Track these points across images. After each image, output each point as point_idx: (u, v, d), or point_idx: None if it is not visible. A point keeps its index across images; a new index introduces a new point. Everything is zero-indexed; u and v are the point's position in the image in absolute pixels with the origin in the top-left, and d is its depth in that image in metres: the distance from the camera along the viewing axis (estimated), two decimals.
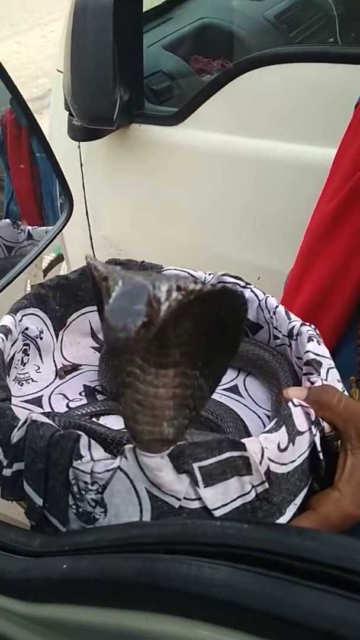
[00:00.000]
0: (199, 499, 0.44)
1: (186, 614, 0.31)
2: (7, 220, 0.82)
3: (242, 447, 0.45)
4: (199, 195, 1.49)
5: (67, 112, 1.34)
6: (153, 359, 0.41)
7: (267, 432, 0.47)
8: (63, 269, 2.07)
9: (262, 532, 0.33)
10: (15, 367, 0.62)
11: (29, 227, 0.79)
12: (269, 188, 1.36)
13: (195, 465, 0.44)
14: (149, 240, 1.63)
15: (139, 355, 0.41)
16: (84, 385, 0.65)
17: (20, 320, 0.61)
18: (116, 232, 1.73)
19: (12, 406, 0.51)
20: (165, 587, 0.32)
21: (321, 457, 0.49)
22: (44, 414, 0.51)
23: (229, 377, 0.65)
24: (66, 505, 0.46)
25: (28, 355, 0.64)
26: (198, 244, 1.52)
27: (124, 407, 0.43)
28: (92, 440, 0.45)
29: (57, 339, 0.66)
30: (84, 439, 0.45)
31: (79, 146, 1.56)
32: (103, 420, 0.61)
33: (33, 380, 0.64)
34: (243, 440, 0.45)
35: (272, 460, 0.46)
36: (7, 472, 0.48)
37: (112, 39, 1.13)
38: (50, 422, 0.47)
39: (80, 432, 0.45)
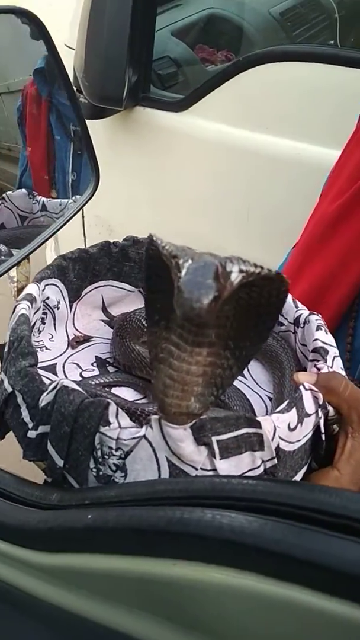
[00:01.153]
0: (214, 469, 0.47)
1: (215, 561, 0.34)
2: (24, 190, 0.83)
3: (258, 425, 0.48)
4: (195, 183, 1.51)
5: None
6: (191, 338, 0.44)
7: (279, 412, 0.50)
8: (50, 246, 2.07)
9: (289, 488, 0.36)
10: (33, 335, 0.64)
11: (44, 199, 0.81)
12: (265, 182, 1.39)
13: (214, 439, 0.47)
14: (142, 223, 1.65)
15: (175, 333, 0.44)
16: (96, 356, 0.68)
17: (43, 290, 0.63)
18: (109, 213, 1.74)
19: None
20: (198, 535, 0.35)
21: (323, 438, 0.53)
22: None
23: None
24: (86, 467, 0.48)
25: (44, 324, 0.66)
26: (190, 231, 1.54)
27: (156, 380, 0.46)
28: (119, 409, 0.48)
29: (71, 310, 0.69)
30: (112, 407, 0.48)
31: None
32: (115, 391, 0.64)
33: (47, 349, 0.66)
34: (258, 419, 0.49)
35: (282, 439, 0.49)
36: (32, 434, 0.50)
37: (129, 20, 1.14)
38: (80, 389, 0.49)
39: (109, 400, 0.48)
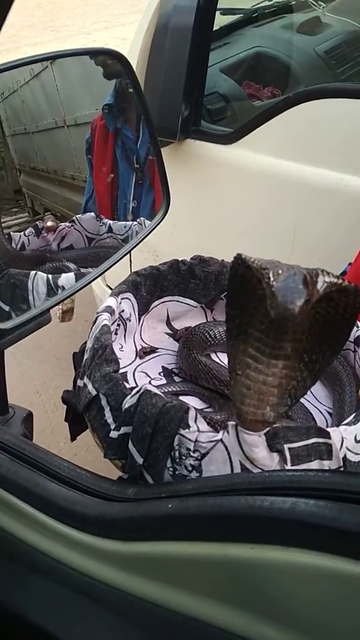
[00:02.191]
0: None
1: (294, 544, 0.38)
2: (92, 213, 0.89)
3: (327, 435, 0.51)
4: (241, 212, 1.56)
5: None
6: (268, 350, 0.48)
7: (347, 424, 0.54)
8: None
9: None
10: None
11: (110, 222, 0.87)
12: (311, 212, 1.43)
13: (286, 446, 0.51)
14: (187, 250, 1.70)
15: (253, 347, 0.49)
16: (162, 366, 0.72)
17: (120, 303, 0.68)
18: (156, 239, 1.80)
19: None
20: (280, 519, 0.38)
21: None
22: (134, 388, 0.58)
23: None
24: (164, 466, 0.53)
25: (116, 334, 0.71)
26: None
27: (233, 389, 0.50)
28: (198, 414, 0.52)
29: (139, 322, 0.74)
30: (192, 412, 0.52)
31: None
32: (182, 399, 0.68)
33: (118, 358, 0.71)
34: (328, 429, 0.52)
35: (348, 449, 0.52)
36: (114, 434, 0.55)
37: (187, 57, 1.21)
38: (161, 394, 0.54)
39: (189, 405, 0.52)
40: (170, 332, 0.77)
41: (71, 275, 0.70)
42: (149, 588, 0.47)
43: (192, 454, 0.51)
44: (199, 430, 0.52)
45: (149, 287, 0.72)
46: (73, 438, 0.68)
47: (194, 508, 0.43)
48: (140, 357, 0.73)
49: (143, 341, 0.75)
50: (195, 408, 0.55)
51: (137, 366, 0.72)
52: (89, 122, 1.02)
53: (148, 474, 0.53)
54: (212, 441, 0.51)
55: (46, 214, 0.99)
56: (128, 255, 1.97)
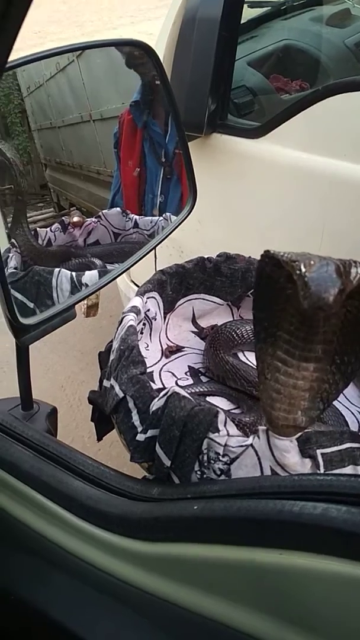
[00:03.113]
0: None
1: (326, 551, 0.36)
2: (118, 208, 0.88)
3: None
4: (269, 208, 1.54)
5: None
6: (298, 353, 0.47)
7: None
8: None
9: None
10: None
11: (136, 217, 0.86)
12: (340, 207, 1.41)
13: (319, 452, 0.49)
14: (213, 246, 1.68)
15: (282, 349, 0.47)
16: (189, 366, 0.71)
17: (145, 302, 0.68)
18: (181, 235, 1.79)
19: None
20: (310, 525, 0.37)
21: None
22: (161, 389, 0.57)
23: None
24: (191, 470, 0.52)
25: (142, 333, 0.70)
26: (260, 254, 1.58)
27: (263, 393, 0.49)
28: (228, 418, 0.51)
29: (164, 321, 0.73)
30: (221, 415, 0.51)
31: None
32: (209, 400, 0.67)
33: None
34: None
35: None
36: (140, 437, 0.54)
37: (215, 50, 1.20)
38: (190, 397, 0.53)
39: (219, 409, 0.51)
40: (196, 330, 0.76)
41: (94, 272, 0.69)
42: (172, 589, 0.46)
43: (221, 458, 0.50)
44: (228, 435, 0.50)
45: (175, 285, 0.71)
46: (99, 438, 0.68)
47: (220, 510, 0.42)
48: (166, 357, 0.73)
49: (169, 340, 0.74)
50: (224, 410, 0.54)
51: (163, 365, 0.71)
52: (116, 116, 1.02)
53: (175, 475, 0.52)
54: (242, 446, 0.50)
55: (72, 209, 0.99)
56: (153, 251, 1.97)
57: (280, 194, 1.50)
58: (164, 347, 0.73)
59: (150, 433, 0.54)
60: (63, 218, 0.85)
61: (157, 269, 1.95)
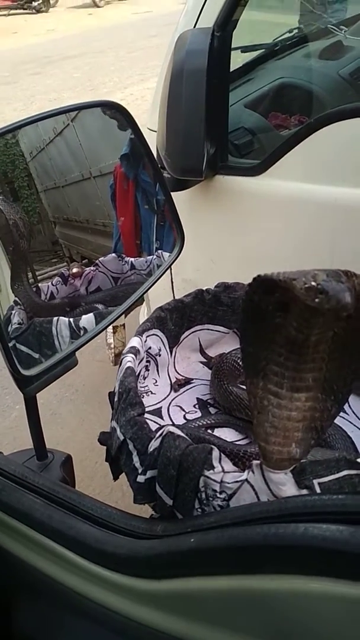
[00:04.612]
0: None
1: (312, 572, 0.36)
2: (114, 254, 0.93)
3: (359, 466, 0.49)
4: (278, 241, 1.56)
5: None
6: (289, 383, 0.47)
7: None
8: (143, 311, 2.18)
9: None
10: (139, 382, 0.70)
11: (132, 259, 0.90)
12: (348, 233, 1.42)
13: (316, 482, 0.49)
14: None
15: (272, 382, 0.48)
16: (197, 398, 0.72)
17: (145, 341, 0.69)
18: (197, 276, 1.82)
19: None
20: (291, 546, 0.37)
21: None
22: (164, 427, 0.58)
23: None
24: (192, 507, 0.52)
25: (148, 370, 0.72)
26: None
27: (257, 427, 0.49)
28: (222, 454, 0.52)
29: (171, 354, 0.74)
30: (215, 452, 0.52)
31: None
32: (217, 432, 0.67)
33: (152, 393, 0.71)
34: None
35: None
36: (141, 478, 0.55)
37: (204, 99, 1.25)
38: (184, 436, 0.54)
39: (212, 446, 0.52)
40: (205, 360, 0.77)
41: (90, 315, 0.72)
42: (179, 626, 0.46)
43: (218, 495, 0.50)
44: (223, 471, 0.51)
45: (176, 319, 0.73)
46: (115, 478, 0.69)
47: (212, 541, 0.43)
48: (175, 390, 0.73)
49: (177, 373, 0.75)
50: (221, 446, 0.54)
51: (172, 400, 0.72)
52: (113, 171, 1.07)
53: (179, 513, 0.53)
54: (237, 481, 0.50)
55: (72, 263, 1.03)
56: (172, 294, 2.00)
57: (287, 226, 1.52)
58: (173, 380, 0.74)
59: (149, 474, 0.54)
60: (62, 271, 0.89)
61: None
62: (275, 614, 0.40)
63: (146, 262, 0.92)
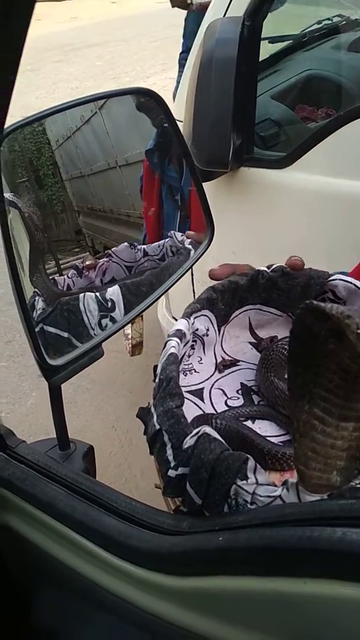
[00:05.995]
0: None
1: (348, 577, 0.35)
2: (125, 243, 0.92)
3: None
4: (301, 234, 1.54)
5: None
6: (337, 411, 0.45)
7: None
8: (162, 304, 2.17)
9: None
10: (182, 362, 0.68)
11: (144, 246, 0.89)
12: None
13: None
14: None
15: (320, 407, 0.46)
16: (241, 383, 0.70)
17: (192, 323, 0.67)
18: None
19: None
20: (329, 551, 0.36)
21: None
22: (205, 416, 0.56)
23: None
24: (221, 511, 0.51)
25: (194, 349, 0.70)
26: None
27: (297, 450, 0.47)
28: (258, 465, 0.50)
29: (219, 333, 0.71)
30: (251, 462, 0.50)
31: None
32: (258, 423, 0.66)
33: (195, 371, 0.69)
34: None
35: None
36: (172, 472, 0.54)
37: (233, 89, 1.23)
38: (221, 440, 0.52)
39: (248, 455, 0.50)
40: (254, 341, 0.74)
41: (116, 287, 0.71)
42: (203, 624, 0.46)
43: (249, 505, 0.49)
44: (257, 483, 0.49)
45: (227, 300, 0.69)
46: (151, 453, 0.67)
47: (243, 541, 0.42)
48: (220, 371, 0.71)
49: (224, 352, 0.72)
50: (260, 444, 0.52)
51: (215, 381, 0.69)
52: (140, 160, 1.06)
53: (207, 512, 0.52)
54: (270, 496, 0.48)
55: (84, 254, 1.02)
56: (192, 287, 1.99)
57: (312, 220, 1.50)
58: (219, 360, 0.72)
59: (180, 470, 0.53)
60: (76, 263, 0.88)
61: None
62: (304, 617, 0.39)
63: (159, 246, 0.91)
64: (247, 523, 0.45)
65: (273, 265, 0.71)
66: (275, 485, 0.49)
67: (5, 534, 0.64)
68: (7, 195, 0.65)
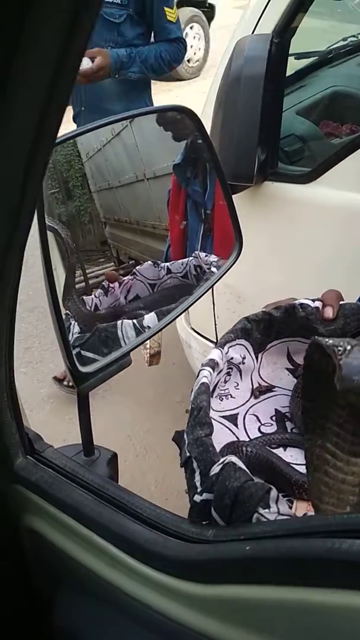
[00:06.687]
0: None
1: None
2: (149, 262, 0.94)
3: None
4: (323, 249, 1.55)
5: None
6: (347, 447, 0.46)
7: None
8: (182, 315, 2.19)
9: None
10: (218, 387, 0.69)
11: (167, 264, 0.90)
12: None
13: None
14: (271, 290, 1.70)
15: (331, 442, 0.47)
16: (276, 409, 0.71)
17: (226, 352, 0.68)
18: (238, 281, 1.82)
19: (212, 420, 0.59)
20: (358, 563, 0.37)
21: None
22: (235, 443, 0.58)
23: None
24: None
25: (230, 375, 0.71)
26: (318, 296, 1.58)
27: (311, 484, 0.49)
28: (280, 495, 0.51)
29: (257, 360, 0.72)
30: (274, 492, 0.51)
31: None
32: (289, 451, 0.66)
33: (231, 397, 0.70)
34: None
35: None
36: (197, 497, 0.55)
37: (260, 105, 1.25)
38: (245, 469, 0.53)
39: (271, 486, 0.51)
40: (291, 367, 0.74)
41: (153, 315, 0.73)
42: (229, 632, 0.46)
43: None
44: (279, 512, 0.50)
45: (263, 329, 0.70)
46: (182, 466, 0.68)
47: (271, 550, 0.43)
48: (255, 397, 0.72)
49: (261, 378, 0.73)
50: (288, 474, 0.52)
51: (250, 407, 0.71)
52: (168, 173, 1.08)
53: None
54: None
55: (109, 265, 1.04)
56: (211, 298, 2.00)
57: (336, 236, 1.51)
58: (255, 385, 0.73)
59: (205, 496, 0.55)
60: (103, 283, 0.90)
61: (217, 315, 1.96)
62: (331, 628, 0.40)
63: (182, 264, 0.92)
64: (274, 533, 0.46)
65: (309, 303, 0.70)
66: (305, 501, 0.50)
67: (30, 537, 0.66)
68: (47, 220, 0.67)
